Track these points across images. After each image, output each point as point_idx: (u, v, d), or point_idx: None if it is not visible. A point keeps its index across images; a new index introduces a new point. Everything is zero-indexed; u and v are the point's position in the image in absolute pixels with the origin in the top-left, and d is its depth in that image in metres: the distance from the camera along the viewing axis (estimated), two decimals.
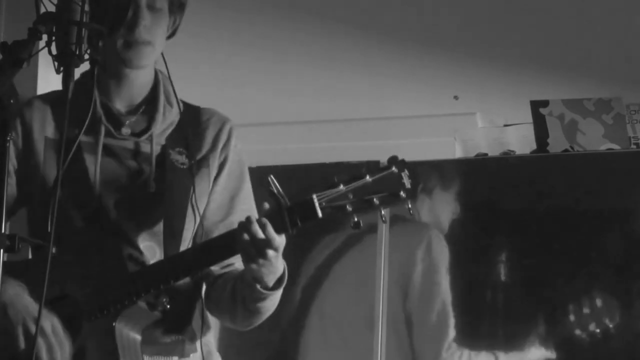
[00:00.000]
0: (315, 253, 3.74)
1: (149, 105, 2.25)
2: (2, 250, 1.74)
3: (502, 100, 4.40)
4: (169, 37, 2.24)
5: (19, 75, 1.84)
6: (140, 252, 2.14)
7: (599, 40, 3.96)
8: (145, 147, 2.21)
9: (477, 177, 3.66)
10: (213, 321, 2.29)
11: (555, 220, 3.49)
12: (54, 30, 1.85)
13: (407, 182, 1.98)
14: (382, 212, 2.01)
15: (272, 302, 2.16)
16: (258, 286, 2.09)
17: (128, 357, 2.07)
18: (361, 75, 4.41)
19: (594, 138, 3.63)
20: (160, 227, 2.17)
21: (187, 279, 2.18)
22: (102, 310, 2.07)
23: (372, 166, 2.01)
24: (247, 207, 2.25)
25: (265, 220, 2.00)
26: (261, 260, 2.02)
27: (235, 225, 2.05)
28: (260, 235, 1.99)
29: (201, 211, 2.22)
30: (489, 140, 3.93)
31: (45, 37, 1.86)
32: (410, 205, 1.99)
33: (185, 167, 2.21)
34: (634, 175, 3.44)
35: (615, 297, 3.36)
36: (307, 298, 3.74)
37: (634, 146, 3.66)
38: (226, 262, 2.19)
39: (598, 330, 3.35)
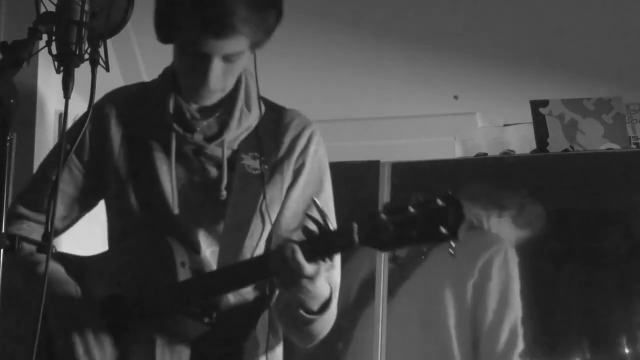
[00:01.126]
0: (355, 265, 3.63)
1: (225, 110, 2.17)
2: (2, 250, 1.73)
3: (502, 100, 4.39)
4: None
5: (19, 75, 1.84)
6: (198, 260, 2.07)
7: (599, 40, 3.95)
8: (217, 152, 2.15)
9: (477, 177, 3.66)
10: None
11: (555, 220, 3.49)
12: (54, 30, 1.85)
13: (451, 219, 1.81)
14: (423, 249, 1.91)
15: (322, 325, 2.09)
16: (301, 311, 2.04)
17: None
18: (361, 75, 4.40)
19: (594, 138, 3.63)
20: None
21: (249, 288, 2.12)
22: (147, 316, 2.03)
23: (419, 201, 1.87)
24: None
25: (295, 247, 1.91)
26: (295, 288, 1.95)
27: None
28: (291, 262, 1.90)
29: (273, 219, 2.15)
30: (489, 140, 3.93)
31: (45, 37, 1.87)
32: (453, 244, 1.83)
33: (257, 172, 2.13)
34: (634, 175, 3.44)
35: (615, 297, 3.36)
36: (358, 311, 3.61)
37: (634, 146, 3.65)
38: None
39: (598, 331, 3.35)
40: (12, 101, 1.78)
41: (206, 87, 2.08)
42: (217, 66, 2.06)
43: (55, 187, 1.90)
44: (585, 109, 3.68)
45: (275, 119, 2.23)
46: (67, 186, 2.20)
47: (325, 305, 2.06)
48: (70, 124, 1.99)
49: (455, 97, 4.50)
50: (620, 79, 4.00)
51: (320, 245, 1.92)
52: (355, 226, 1.88)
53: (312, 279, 1.94)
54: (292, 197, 2.18)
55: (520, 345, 3.40)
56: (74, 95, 1.88)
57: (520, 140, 3.88)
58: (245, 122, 2.18)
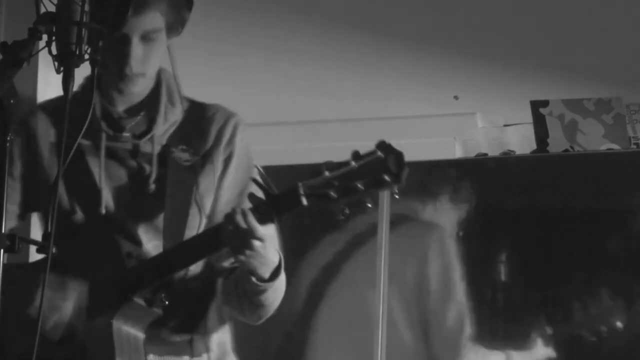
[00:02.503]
0: (317, 252, 3.72)
1: (150, 106, 2.24)
2: (2, 250, 1.74)
3: (502, 100, 4.39)
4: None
5: (19, 75, 1.84)
6: (143, 252, 2.13)
7: (599, 40, 3.96)
8: (147, 148, 2.21)
9: (477, 177, 3.66)
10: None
11: (555, 220, 3.49)
12: (54, 30, 1.85)
13: (392, 166, 1.90)
14: (368, 198, 1.95)
15: (274, 294, 2.13)
16: (253, 279, 2.07)
17: (127, 354, 2.06)
18: (361, 75, 4.41)
19: (594, 138, 3.63)
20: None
21: (196, 276, 2.17)
22: (99, 307, 2.07)
23: (358, 153, 1.94)
24: None
25: (246, 209, 1.97)
26: (247, 252, 1.99)
27: None
28: (243, 225, 1.96)
29: (207, 208, 2.20)
30: (489, 140, 3.94)
31: (45, 37, 1.86)
32: (397, 190, 1.91)
33: (189, 164, 2.20)
34: (634, 175, 3.44)
35: (615, 296, 3.36)
36: (315, 297, 3.71)
37: (634, 146, 3.66)
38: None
39: (603, 330, 3.36)
40: (12, 101, 1.78)
41: (128, 68, 2.13)
42: (136, 45, 2.12)
43: (55, 188, 1.90)
44: (585, 109, 3.68)
45: (199, 113, 2.28)
46: (12, 205, 2.22)
47: (276, 272, 2.09)
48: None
49: (455, 97, 4.50)
50: (620, 79, 4.01)
51: (268, 207, 1.97)
52: (300, 185, 1.94)
53: (263, 240, 1.98)
54: (224, 185, 2.23)
55: (467, 330, 3.45)
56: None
57: (520, 140, 3.88)
58: (171, 117, 2.24)
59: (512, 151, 3.78)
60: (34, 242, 1.79)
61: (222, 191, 2.23)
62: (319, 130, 4.87)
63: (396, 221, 3.62)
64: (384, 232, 3.61)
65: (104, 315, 2.06)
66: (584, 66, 4.09)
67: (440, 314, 3.54)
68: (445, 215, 3.61)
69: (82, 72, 1.92)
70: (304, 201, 1.94)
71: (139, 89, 2.21)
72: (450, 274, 3.55)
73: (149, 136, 2.21)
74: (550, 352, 3.42)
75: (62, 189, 2.19)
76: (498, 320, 3.50)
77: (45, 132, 2.22)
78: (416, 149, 3.99)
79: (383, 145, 1.93)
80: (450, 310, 3.53)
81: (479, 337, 3.50)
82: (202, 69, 4.22)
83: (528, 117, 3.73)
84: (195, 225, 2.19)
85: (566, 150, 3.60)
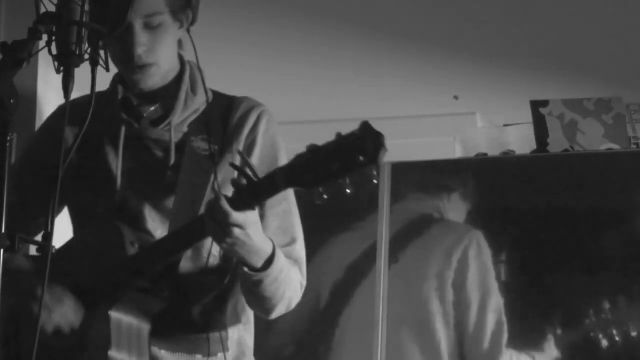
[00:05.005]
0: (332, 252, 3.66)
1: (169, 94, 2.22)
2: (2, 250, 1.74)
3: (502, 100, 4.40)
4: (189, 27, 2.22)
5: (19, 75, 1.84)
6: (148, 240, 2.11)
7: (599, 40, 3.96)
8: (164, 136, 2.19)
9: (477, 177, 3.66)
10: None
11: (555, 220, 3.49)
12: (54, 30, 1.85)
13: (369, 147, 1.81)
14: (347, 181, 1.90)
15: (274, 285, 2.08)
16: (246, 269, 2.04)
17: (126, 345, 2.04)
18: (361, 75, 4.41)
19: (594, 138, 3.63)
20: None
21: (213, 270, 2.15)
22: (100, 296, 2.05)
23: (340, 134, 1.86)
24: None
25: (219, 196, 1.93)
26: (228, 240, 1.95)
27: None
28: (218, 212, 1.92)
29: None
30: (489, 140, 3.93)
31: (45, 37, 1.86)
32: (375, 172, 1.86)
33: (206, 153, 2.17)
34: (634, 175, 3.44)
35: (615, 296, 3.36)
36: (341, 298, 3.65)
37: (634, 146, 3.66)
38: None
39: (603, 330, 3.36)
40: (12, 101, 1.78)
41: (136, 57, 2.12)
42: (139, 32, 2.11)
43: (56, 186, 1.90)
44: (585, 109, 3.68)
45: (224, 104, 2.26)
46: (34, 198, 2.22)
47: (269, 261, 2.05)
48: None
49: (455, 97, 4.51)
50: (620, 79, 4.01)
51: (246, 193, 1.93)
52: (278, 170, 1.90)
53: (242, 227, 1.94)
54: None
55: (505, 335, 3.43)
56: (73, 95, 1.88)
57: (520, 140, 3.88)
58: (192, 105, 2.23)
59: (512, 151, 3.77)
60: (34, 242, 1.79)
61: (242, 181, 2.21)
62: (319, 130, 4.86)
63: (426, 222, 3.59)
64: (384, 232, 3.61)
65: (104, 305, 2.05)
66: (584, 66, 4.09)
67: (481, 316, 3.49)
68: (458, 216, 3.60)
69: (82, 72, 1.92)
70: (282, 186, 1.89)
71: (154, 80, 2.19)
72: (487, 277, 3.50)
73: (166, 123, 2.20)
74: (550, 352, 3.41)
75: (82, 182, 2.19)
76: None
77: (72, 129, 2.20)
78: (416, 149, 4.01)
79: (364, 127, 1.83)
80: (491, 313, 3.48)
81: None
82: (202, 69, 4.22)
83: (528, 117, 3.73)
84: None
85: (566, 150, 3.60)
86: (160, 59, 2.17)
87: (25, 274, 2.09)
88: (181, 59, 2.26)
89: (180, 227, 2.09)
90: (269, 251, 2.05)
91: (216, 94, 2.28)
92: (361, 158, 1.81)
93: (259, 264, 2.04)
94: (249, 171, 1.92)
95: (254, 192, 1.92)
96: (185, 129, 2.22)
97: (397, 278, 3.57)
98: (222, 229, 1.94)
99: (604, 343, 3.34)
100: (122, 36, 2.11)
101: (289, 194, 2.22)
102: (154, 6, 2.12)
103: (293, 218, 2.23)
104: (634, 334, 3.34)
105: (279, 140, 2.27)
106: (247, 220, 1.95)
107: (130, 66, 2.15)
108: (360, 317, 3.61)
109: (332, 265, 3.66)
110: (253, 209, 1.94)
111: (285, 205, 2.21)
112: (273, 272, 2.06)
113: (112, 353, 2.00)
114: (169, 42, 2.18)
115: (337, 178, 1.86)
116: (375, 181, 1.93)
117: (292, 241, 2.20)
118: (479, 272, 3.49)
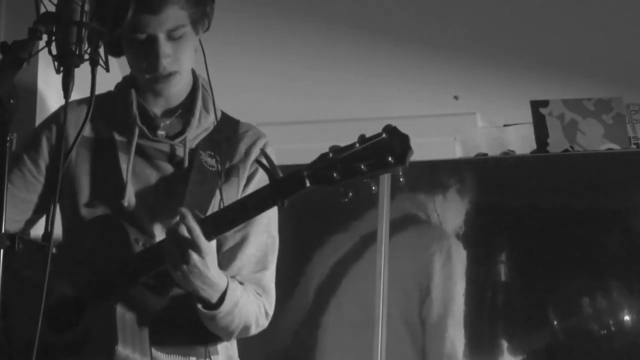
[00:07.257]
0: (328, 251, 3.68)
1: (186, 109, 2.28)
2: (2, 250, 1.74)
3: (502, 100, 4.39)
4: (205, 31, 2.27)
5: (19, 75, 1.84)
6: (151, 239, 2.14)
7: (599, 40, 3.96)
8: (178, 150, 2.25)
9: (477, 177, 3.66)
10: None
11: (556, 220, 3.49)
12: (54, 30, 1.85)
13: (397, 148, 1.91)
14: (373, 181, 1.95)
15: (229, 317, 2.10)
16: (200, 306, 2.06)
17: (130, 342, 2.05)
18: (361, 75, 4.41)
19: (594, 138, 3.63)
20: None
21: None
22: (105, 291, 2.07)
23: (364, 136, 1.95)
24: (266, 219, 2.25)
25: (192, 220, 1.96)
26: (184, 267, 1.97)
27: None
28: (186, 234, 1.96)
29: None
30: (489, 140, 3.93)
31: (45, 37, 1.87)
32: (401, 172, 1.92)
33: (213, 169, 2.22)
34: (634, 175, 3.44)
35: (615, 296, 3.36)
36: (325, 295, 3.67)
37: (634, 146, 3.66)
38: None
39: (603, 330, 3.35)
40: (12, 101, 1.78)
41: (161, 68, 2.16)
42: (163, 43, 2.14)
43: (55, 186, 1.90)
44: (585, 109, 3.68)
45: (231, 128, 2.33)
46: (19, 190, 2.24)
47: (222, 297, 2.07)
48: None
49: (455, 97, 4.50)
50: (620, 79, 4.01)
51: (208, 225, 1.98)
52: (304, 167, 1.96)
53: (202, 256, 1.96)
54: None
55: (461, 345, 3.44)
56: (73, 95, 1.88)
57: (520, 140, 3.88)
58: (204, 122, 2.29)
59: (512, 151, 3.77)
60: (34, 242, 1.79)
61: None
62: (319, 130, 4.87)
63: (405, 222, 3.60)
64: (384, 232, 3.61)
65: (109, 300, 2.06)
66: (584, 66, 4.09)
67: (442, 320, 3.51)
68: (445, 216, 3.60)
69: (82, 72, 1.92)
70: (307, 183, 1.94)
71: (177, 88, 2.24)
72: (452, 285, 3.52)
73: (181, 138, 2.25)
74: (550, 352, 3.41)
75: (85, 181, 2.21)
76: (498, 321, 3.49)
77: (76, 125, 2.23)
78: (416, 149, 3.99)
79: (389, 129, 1.93)
80: (450, 318, 3.50)
81: (478, 337, 3.48)
82: (202, 69, 4.22)
83: (528, 117, 3.72)
84: None
85: (566, 150, 3.59)
86: (183, 67, 2.22)
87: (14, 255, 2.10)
88: (193, 72, 2.32)
89: (143, 250, 2.10)
90: (223, 285, 2.07)
91: (222, 115, 2.34)
92: (390, 159, 1.90)
93: (213, 298, 2.06)
94: (270, 168, 1.97)
95: (281, 189, 1.96)
96: (194, 144, 2.27)
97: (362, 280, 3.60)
98: (182, 254, 1.96)
99: (603, 341, 3.34)
100: (144, 47, 2.14)
101: (275, 231, 2.28)
102: (176, 19, 2.16)
103: (270, 253, 2.27)
104: (633, 334, 3.34)
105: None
106: (207, 249, 1.98)
107: (154, 76, 2.18)
108: (342, 316, 3.63)
109: (322, 266, 3.68)
110: (279, 205, 1.98)
111: (269, 240, 2.27)
112: (226, 307, 2.08)
113: (118, 347, 2.02)
114: (190, 50, 2.23)
115: (364, 177, 1.93)
116: (374, 188, 1.97)
117: (264, 268, 2.24)
118: (443, 282, 3.51)
